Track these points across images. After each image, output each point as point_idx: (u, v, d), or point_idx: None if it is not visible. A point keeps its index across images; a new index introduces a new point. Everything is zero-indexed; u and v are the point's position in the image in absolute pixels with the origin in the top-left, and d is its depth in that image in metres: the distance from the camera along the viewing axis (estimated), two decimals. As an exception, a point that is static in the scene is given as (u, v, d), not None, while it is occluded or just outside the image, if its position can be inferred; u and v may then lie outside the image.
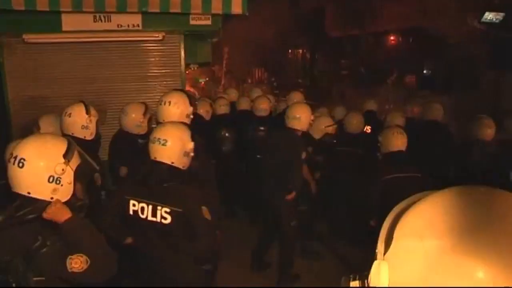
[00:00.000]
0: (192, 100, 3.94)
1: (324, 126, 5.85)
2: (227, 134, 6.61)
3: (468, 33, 15.62)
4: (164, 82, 5.68)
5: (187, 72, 6.30)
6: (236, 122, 7.20)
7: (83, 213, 2.36)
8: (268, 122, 6.88)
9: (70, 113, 3.87)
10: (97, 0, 4.71)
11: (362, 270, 0.92)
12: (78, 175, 2.27)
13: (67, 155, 2.19)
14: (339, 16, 23.36)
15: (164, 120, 3.74)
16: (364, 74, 22.48)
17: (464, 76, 13.39)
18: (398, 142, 4.65)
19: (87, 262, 2.09)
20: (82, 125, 3.87)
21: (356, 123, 6.27)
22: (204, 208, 2.94)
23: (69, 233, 2.13)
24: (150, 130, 4.08)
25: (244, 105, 7.64)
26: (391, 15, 19.90)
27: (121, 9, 4.78)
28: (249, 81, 28.92)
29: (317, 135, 5.81)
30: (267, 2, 23.73)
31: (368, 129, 6.87)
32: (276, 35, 27.14)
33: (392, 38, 23.00)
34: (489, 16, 12.25)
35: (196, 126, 6.23)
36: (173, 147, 2.99)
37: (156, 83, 5.66)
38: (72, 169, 2.23)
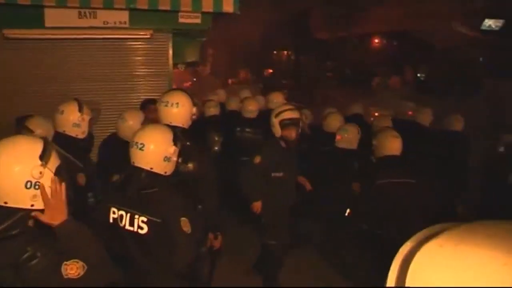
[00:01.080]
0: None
1: None
2: (216, 138, 6.47)
3: (456, 38, 15.74)
4: (152, 82, 5.50)
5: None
6: (225, 123, 7.08)
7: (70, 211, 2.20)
8: (255, 123, 6.78)
9: (62, 110, 3.80)
10: (82, -5, 4.50)
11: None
12: (60, 175, 2.11)
13: (43, 157, 1.97)
14: (325, 18, 23.37)
15: (171, 123, 3.50)
16: (349, 76, 22.53)
17: (459, 82, 13.46)
18: (393, 146, 4.51)
19: (83, 268, 1.94)
20: (74, 123, 3.79)
21: (334, 123, 6.13)
22: (184, 219, 2.71)
23: (63, 237, 1.96)
24: None
25: (234, 105, 7.50)
26: (376, 18, 19.96)
27: (108, 5, 4.59)
28: (230, 82, 28.67)
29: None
30: (253, 3, 23.63)
31: None
32: (262, 36, 27.08)
33: (377, 40, 23.11)
34: (488, 23, 12.24)
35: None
36: (151, 152, 2.77)
37: (143, 82, 5.47)
38: (51, 170, 2.03)
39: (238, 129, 6.76)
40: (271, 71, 29.41)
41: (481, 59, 12.79)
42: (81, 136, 3.84)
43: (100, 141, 4.53)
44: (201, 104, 7.69)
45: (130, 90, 5.38)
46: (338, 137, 5.23)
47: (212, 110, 7.10)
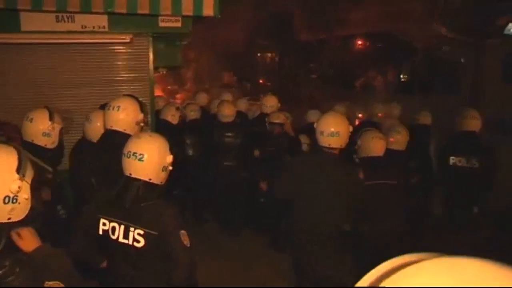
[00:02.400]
0: (144, 107, 3.70)
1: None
2: (187, 141, 6.44)
3: (435, 38, 15.91)
4: (132, 87, 5.39)
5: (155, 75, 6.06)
6: (205, 127, 7.03)
7: (38, 223, 2.11)
8: (236, 127, 6.73)
9: (32, 118, 3.65)
10: (59, -1, 4.40)
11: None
12: (35, 186, 2.04)
13: (20, 169, 1.91)
14: (308, 20, 23.43)
15: (111, 127, 3.57)
16: (332, 78, 22.58)
17: (439, 81, 13.60)
18: (377, 146, 4.58)
19: None
20: (44, 132, 3.65)
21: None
22: (183, 232, 2.64)
23: (39, 262, 1.93)
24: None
25: (214, 109, 7.45)
26: (358, 20, 20.09)
27: (86, 9, 4.49)
28: (207, 85, 28.58)
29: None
30: (235, 5, 23.58)
31: None
32: (245, 38, 27.06)
33: (359, 42, 23.22)
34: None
35: (163, 131, 6.10)
36: (150, 163, 2.68)
37: (123, 87, 5.36)
38: (28, 183, 1.97)
39: (217, 133, 6.74)
40: (254, 73, 29.42)
41: (462, 59, 12.94)
42: (50, 146, 3.71)
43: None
44: (183, 108, 7.64)
45: (110, 95, 5.23)
46: (391, 139, 5.19)
47: (193, 114, 7.07)
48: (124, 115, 3.54)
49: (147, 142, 2.76)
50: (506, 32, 11.87)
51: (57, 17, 4.87)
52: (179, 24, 5.18)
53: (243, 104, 7.99)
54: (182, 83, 29.03)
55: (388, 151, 4.88)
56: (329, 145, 3.79)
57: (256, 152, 6.55)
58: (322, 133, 3.81)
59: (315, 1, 22.83)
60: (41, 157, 3.43)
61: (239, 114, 7.36)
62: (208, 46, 26.95)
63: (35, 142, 3.59)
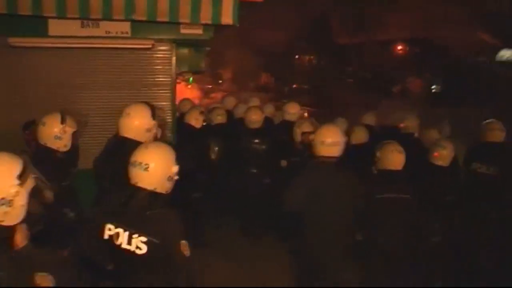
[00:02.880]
0: (156, 113, 3.72)
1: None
2: (216, 148, 6.46)
3: (477, 45, 15.41)
4: (155, 91, 5.54)
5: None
6: (231, 132, 7.07)
7: (40, 226, 2.29)
8: (263, 134, 6.73)
9: (44, 122, 3.76)
10: (83, 6, 4.56)
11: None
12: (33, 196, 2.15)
13: (21, 176, 2.05)
14: (346, 23, 23.24)
15: (122, 133, 3.65)
16: (368, 82, 22.31)
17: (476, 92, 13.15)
18: (396, 160, 4.47)
19: (53, 282, 2.02)
20: (55, 135, 3.71)
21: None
22: (183, 242, 2.71)
23: (26, 256, 2.06)
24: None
25: (241, 113, 7.46)
26: (396, 24, 19.75)
27: (107, 16, 4.64)
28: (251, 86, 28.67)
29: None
30: (274, 8, 23.64)
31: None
32: (284, 40, 27.09)
33: (397, 47, 22.83)
34: (506, 54, 11.75)
35: (186, 135, 6.20)
36: (155, 172, 2.76)
37: (145, 92, 5.50)
38: (26, 191, 2.09)
39: (244, 139, 6.75)
40: (291, 76, 29.38)
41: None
42: (63, 149, 3.77)
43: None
44: (208, 112, 7.72)
45: (133, 98, 5.40)
46: (435, 153, 5.14)
47: (219, 119, 7.09)
48: (133, 122, 3.61)
49: (152, 152, 2.83)
50: (497, 59, 11.45)
51: (82, 23, 5.04)
52: (200, 31, 5.26)
53: (269, 109, 7.96)
54: (220, 83, 29.43)
55: (431, 167, 5.03)
56: (331, 154, 4.02)
57: (284, 163, 6.50)
58: (323, 143, 4.02)
59: (354, 5, 22.60)
60: (53, 160, 3.71)
61: (265, 119, 7.36)
62: (247, 48, 27.12)
63: (48, 145, 3.69)
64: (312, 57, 29.92)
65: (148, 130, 3.65)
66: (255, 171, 6.70)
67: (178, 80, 17.05)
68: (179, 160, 3.97)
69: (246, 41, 26.85)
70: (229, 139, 6.87)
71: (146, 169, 2.73)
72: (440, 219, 5.09)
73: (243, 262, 5.89)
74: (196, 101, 15.00)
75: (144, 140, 3.54)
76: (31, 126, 4.43)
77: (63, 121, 3.72)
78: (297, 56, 30.83)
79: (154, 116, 3.70)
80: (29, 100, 5.15)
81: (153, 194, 2.76)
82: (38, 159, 3.46)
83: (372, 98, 18.66)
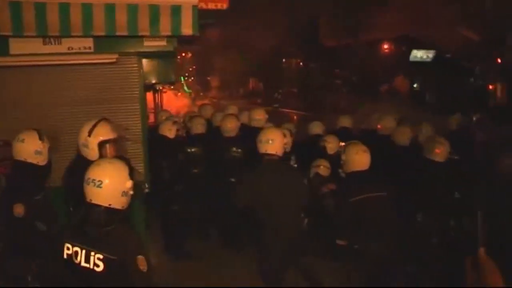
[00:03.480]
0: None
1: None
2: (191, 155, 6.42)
3: (462, 43, 15.45)
4: (121, 106, 5.48)
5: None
6: (210, 141, 7.03)
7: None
8: (239, 141, 6.68)
9: (23, 139, 3.97)
10: (40, 24, 4.51)
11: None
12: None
13: None
14: (333, 26, 23.27)
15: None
16: (356, 83, 22.32)
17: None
18: (362, 160, 4.48)
19: None
20: (36, 150, 3.96)
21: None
22: (140, 257, 2.72)
23: None
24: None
25: (219, 122, 7.41)
26: (382, 25, 19.77)
27: (65, 33, 4.59)
28: (240, 92, 28.62)
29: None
30: (261, 12, 23.65)
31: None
32: (271, 45, 27.06)
33: (383, 47, 22.84)
34: (418, 54, 11.98)
35: (160, 146, 6.16)
36: (109, 188, 2.78)
37: (112, 107, 5.44)
38: None
39: (221, 147, 6.71)
40: (280, 80, 29.37)
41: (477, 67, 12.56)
42: (42, 163, 4.01)
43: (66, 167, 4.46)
44: (187, 120, 7.68)
45: (98, 114, 5.32)
46: (436, 150, 5.17)
47: (198, 128, 7.05)
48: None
49: (105, 168, 2.86)
50: (411, 59, 11.65)
51: (44, 40, 4.99)
52: (164, 43, 5.23)
53: (246, 117, 7.90)
54: (208, 90, 29.43)
55: (431, 164, 5.08)
56: (266, 150, 4.56)
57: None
58: (260, 141, 4.61)
59: (340, 7, 22.65)
60: (33, 174, 3.95)
61: (243, 127, 7.31)
62: (234, 54, 27.09)
63: (28, 160, 3.93)
64: (299, 60, 29.94)
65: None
66: (233, 180, 6.66)
67: (164, 89, 17.05)
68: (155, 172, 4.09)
69: (233, 47, 26.85)
70: (209, 148, 6.85)
71: (99, 185, 2.76)
72: (446, 217, 5.09)
73: (223, 273, 5.86)
74: (184, 110, 14.96)
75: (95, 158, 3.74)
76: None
77: (41, 137, 3.98)
78: (284, 60, 30.89)
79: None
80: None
81: (108, 211, 2.77)
82: (17, 174, 3.94)
83: (359, 99, 18.64)
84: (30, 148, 3.94)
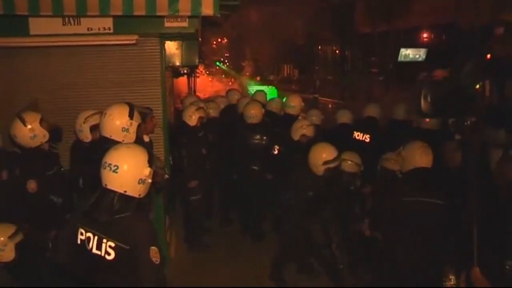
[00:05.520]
0: (134, 113, 3.71)
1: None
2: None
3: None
4: (140, 88, 5.36)
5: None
6: (231, 127, 6.88)
7: None
8: (262, 129, 6.49)
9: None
10: (56, 3, 4.37)
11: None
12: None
13: None
14: (369, 11, 22.60)
15: (101, 133, 3.71)
16: (392, 72, 21.66)
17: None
18: (424, 158, 4.04)
19: None
20: (30, 136, 4.03)
21: None
22: (153, 248, 2.62)
23: None
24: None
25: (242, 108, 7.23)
26: (420, 11, 19.04)
27: (82, 13, 4.45)
28: (272, 78, 28.26)
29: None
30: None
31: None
32: (306, 31, 26.62)
33: (424, 35, 21.98)
34: (407, 52, 11.26)
35: (179, 134, 6.05)
36: (125, 174, 2.67)
37: (131, 88, 5.33)
38: None
39: (243, 134, 6.55)
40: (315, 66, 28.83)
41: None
42: (34, 145, 4.09)
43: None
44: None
45: (120, 96, 5.25)
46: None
47: (211, 112, 6.95)
48: (110, 121, 3.65)
49: (123, 153, 2.76)
50: (400, 59, 10.94)
51: (63, 21, 4.90)
52: (185, 24, 5.06)
53: (274, 104, 7.66)
54: (242, 75, 29.29)
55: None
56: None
57: (275, 149, 6.35)
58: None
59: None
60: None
61: (270, 114, 7.11)
62: (269, 39, 26.80)
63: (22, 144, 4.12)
64: (335, 47, 29.30)
65: (125, 129, 3.65)
66: (256, 168, 6.50)
67: (197, 74, 16.97)
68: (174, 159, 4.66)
69: (268, 32, 26.54)
70: (226, 135, 6.70)
71: (115, 170, 2.65)
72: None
73: (244, 261, 5.81)
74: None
75: (120, 139, 3.57)
76: None
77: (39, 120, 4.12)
78: (320, 47, 30.30)
79: (131, 115, 3.69)
80: (10, 101, 5.06)
81: (123, 197, 2.67)
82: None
83: (395, 88, 18.10)
84: (26, 133, 4.07)
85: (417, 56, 12.91)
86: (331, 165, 4.82)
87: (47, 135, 4.17)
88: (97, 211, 2.67)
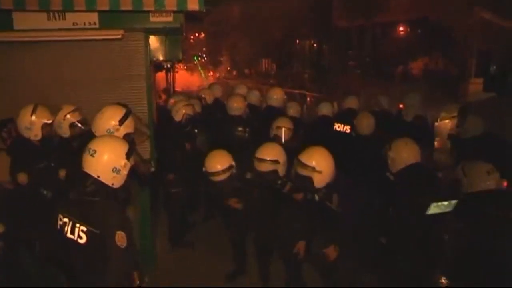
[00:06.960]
0: (121, 115, 3.91)
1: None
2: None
3: (477, 25, 15.04)
4: (126, 83, 5.38)
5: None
6: (214, 121, 6.94)
7: None
8: (244, 121, 6.56)
9: (18, 114, 4.32)
10: (42, -3, 4.39)
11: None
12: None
13: None
14: (346, 6, 22.83)
15: (95, 131, 3.85)
16: (369, 66, 21.95)
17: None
18: (411, 153, 4.03)
19: None
20: (25, 126, 4.25)
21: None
22: (120, 233, 2.73)
23: None
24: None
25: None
26: (397, 6, 19.34)
27: (68, 7, 4.47)
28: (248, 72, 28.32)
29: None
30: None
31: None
32: (284, 25, 26.71)
33: (397, 29, 22.34)
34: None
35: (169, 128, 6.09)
36: (101, 159, 2.84)
37: (118, 84, 5.35)
38: None
39: (226, 127, 6.60)
40: (292, 61, 29.03)
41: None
42: (33, 138, 4.28)
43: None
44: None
45: (103, 92, 5.28)
46: None
47: (196, 108, 6.96)
48: (98, 121, 3.89)
49: (103, 141, 3.01)
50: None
51: (48, 15, 4.87)
52: (170, 19, 5.08)
53: (254, 97, 7.74)
54: (221, 70, 29.31)
55: None
56: None
57: None
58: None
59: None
60: (27, 148, 4.27)
61: (251, 107, 7.18)
62: (247, 34, 26.81)
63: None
64: (312, 41, 29.52)
65: (115, 129, 3.84)
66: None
67: (176, 69, 16.84)
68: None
69: (247, 27, 26.55)
70: (213, 128, 6.75)
71: (92, 154, 2.84)
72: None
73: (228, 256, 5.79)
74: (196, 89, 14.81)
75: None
76: (6, 125, 4.78)
77: (33, 113, 4.27)
78: (298, 41, 30.47)
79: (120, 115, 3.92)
80: None
81: (97, 182, 2.83)
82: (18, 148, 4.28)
83: (373, 81, 18.37)
84: (21, 124, 4.29)
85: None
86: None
87: (38, 137, 4.32)
88: (72, 191, 2.87)
